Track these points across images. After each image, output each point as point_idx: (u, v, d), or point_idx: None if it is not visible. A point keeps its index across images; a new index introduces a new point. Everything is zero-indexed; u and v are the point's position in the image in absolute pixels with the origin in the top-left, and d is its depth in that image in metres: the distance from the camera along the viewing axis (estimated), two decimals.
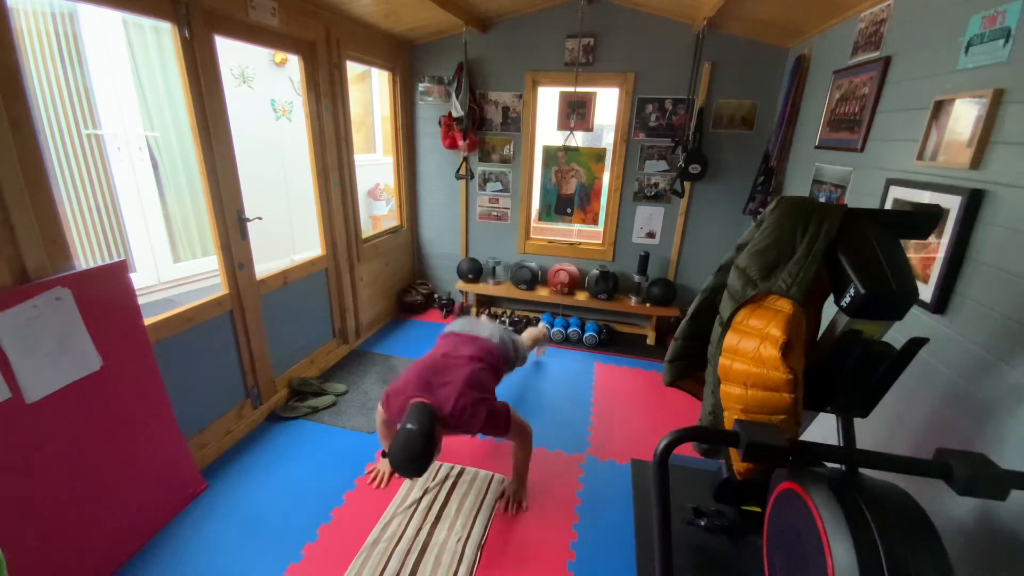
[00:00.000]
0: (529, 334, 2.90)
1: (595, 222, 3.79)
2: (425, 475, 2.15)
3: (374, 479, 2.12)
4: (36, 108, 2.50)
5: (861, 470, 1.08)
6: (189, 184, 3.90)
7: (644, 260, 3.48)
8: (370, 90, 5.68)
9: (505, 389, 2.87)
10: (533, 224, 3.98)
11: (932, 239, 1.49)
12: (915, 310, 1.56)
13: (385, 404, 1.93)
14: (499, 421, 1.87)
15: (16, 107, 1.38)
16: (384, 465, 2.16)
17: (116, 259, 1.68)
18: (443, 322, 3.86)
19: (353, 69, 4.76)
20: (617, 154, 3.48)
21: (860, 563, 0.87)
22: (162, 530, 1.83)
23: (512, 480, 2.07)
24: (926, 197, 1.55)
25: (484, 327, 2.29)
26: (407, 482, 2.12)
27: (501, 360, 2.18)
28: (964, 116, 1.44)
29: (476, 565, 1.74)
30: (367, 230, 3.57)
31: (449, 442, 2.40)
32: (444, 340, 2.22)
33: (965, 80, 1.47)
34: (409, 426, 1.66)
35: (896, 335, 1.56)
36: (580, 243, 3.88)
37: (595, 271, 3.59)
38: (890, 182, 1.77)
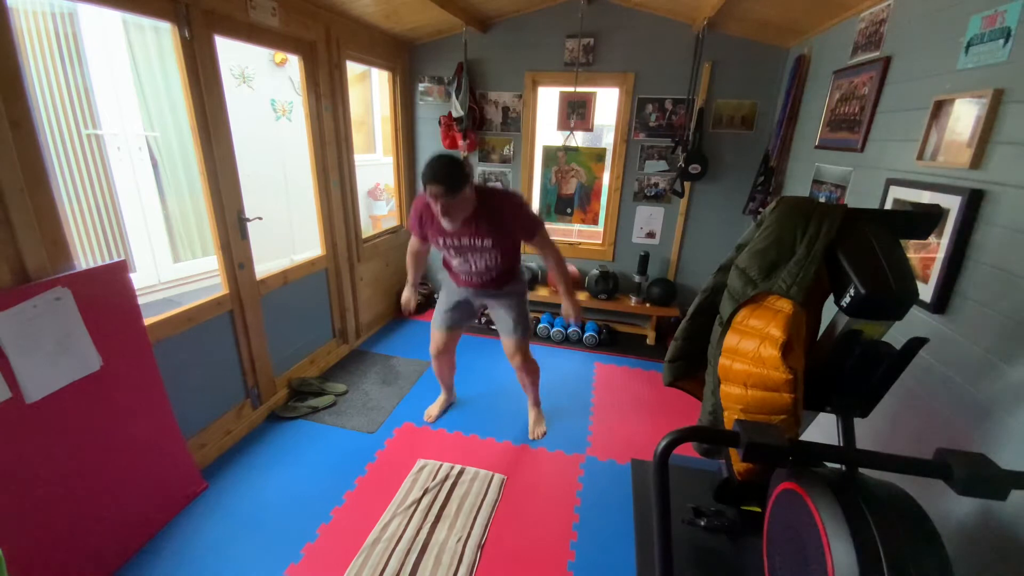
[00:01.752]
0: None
1: (595, 222, 3.79)
2: (425, 475, 2.15)
3: (405, 307, 2.36)
4: (36, 108, 2.50)
5: (861, 470, 1.08)
6: (189, 184, 3.90)
7: (644, 260, 3.48)
8: (370, 90, 5.68)
9: (505, 389, 2.87)
10: None
11: (932, 239, 1.49)
12: (915, 310, 1.56)
13: (411, 221, 2.08)
14: (527, 211, 1.97)
15: (16, 107, 1.38)
16: (406, 293, 2.36)
17: (116, 259, 1.68)
18: None
19: (353, 69, 4.76)
20: (617, 154, 3.48)
21: (860, 563, 0.87)
22: (162, 530, 1.83)
23: (564, 300, 2.20)
24: (926, 197, 1.55)
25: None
26: (407, 482, 2.12)
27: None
28: (964, 116, 1.44)
29: (476, 565, 1.74)
30: (367, 230, 3.57)
31: (449, 441, 2.41)
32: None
33: (965, 80, 1.47)
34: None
35: (896, 335, 1.56)
36: (580, 243, 3.88)
37: (595, 271, 3.59)
38: (890, 182, 1.77)
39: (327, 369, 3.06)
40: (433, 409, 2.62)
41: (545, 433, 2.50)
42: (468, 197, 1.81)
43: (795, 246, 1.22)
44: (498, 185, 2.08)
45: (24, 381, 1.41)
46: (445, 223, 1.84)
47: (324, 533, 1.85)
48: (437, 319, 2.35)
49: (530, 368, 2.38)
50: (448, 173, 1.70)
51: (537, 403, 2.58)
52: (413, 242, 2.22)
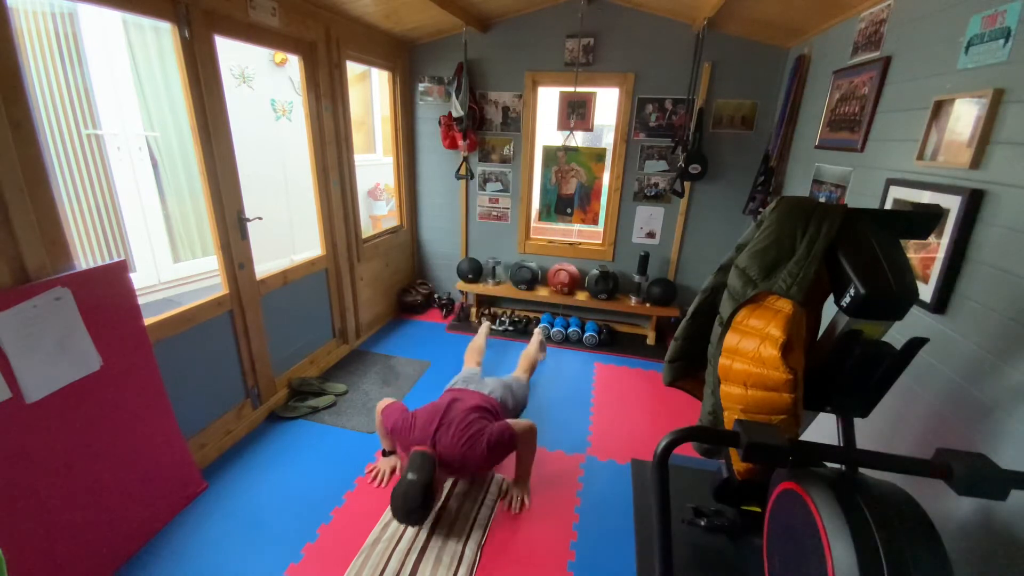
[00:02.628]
0: (526, 361, 2.73)
1: (595, 222, 3.79)
2: None
3: (375, 478, 2.13)
4: (36, 108, 2.50)
5: (861, 470, 1.08)
6: (189, 184, 3.91)
7: (644, 260, 3.48)
8: (370, 90, 5.68)
9: None
10: (533, 224, 3.98)
11: (932, 239, 1.49)
12: (915, 310, 1.56)
13: (387, 420, 2.02)
14: (504, 441, 1.91)
15: (16, 107, 1.38)
16: (384, 463, 2.16)
17: (116, 259, 1.68)
18: (443, 322, 3.86)
19: (353, 69, 4.77)
20: (617, 154, 3.48)
21: (860, 563, 0.87)
22: (162, 530, 1.83)
23: (516, 479, 2.07)
24: (926, 197, 1.55)
25: (485, 384, 2.30)
26: None
27: (501, 413, 2.17)
28: (964, 116, 1.44)
29: (476, 565, 1.74)
30: (367, 230, 3.57)
31: None
32: (447, 395, 2.21)
33: (965, 80, 1.47)
34: (410, 476, 1.73)
35: (896, 335, 1.56)
36: (580, 243, 3.88)
37: (595, 271, 3.59)
38: (890, 182, 1.77)
39: (327, 369, 3.06)
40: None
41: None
42: (439, 496, 1.84)
43: (795, 246, 1.22)
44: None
45: (24, 381, 1.41)
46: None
47: (324, 533, 1.85)
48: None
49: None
50: (415, 517, 1.72)
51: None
52: (381, 424, 2.08)
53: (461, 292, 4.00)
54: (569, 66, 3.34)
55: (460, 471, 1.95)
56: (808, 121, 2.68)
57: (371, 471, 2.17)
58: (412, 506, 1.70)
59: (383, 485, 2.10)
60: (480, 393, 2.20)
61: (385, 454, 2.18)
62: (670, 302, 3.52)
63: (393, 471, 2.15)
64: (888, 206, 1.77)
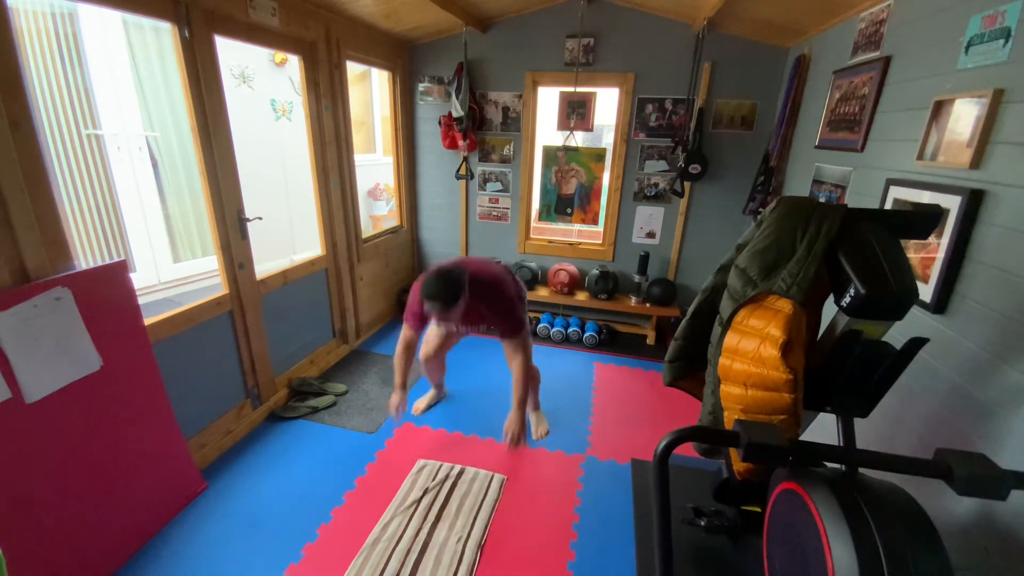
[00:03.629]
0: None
1: (595, 222, 3.79)
2: (425, 475, 2.15)
3: (394, 417, 2.24)
4: (36, 108, 2.50)
5: (861, 470, 1.08)
6: (189, 184, 3.91)
7: (644, 260, 3.48)
8: (370, 90, 5.68)
9: (506, 388, 2.87)
10: (533, 224, 3.98)
11: (932, 239, 1.49)
12: (915, 310, 1.56)
13: (411, 301, 2.10)
14: (513, 315, 2.04)
15: (16, 107, 1.38)
16: (393, 400, 2.23)
17: (116, 259, 1.68)
18: None
19: (353, 69, 4.76)
20: (617, 154, 3.48)
21: (860, 563, 0.87)
22: (162, 530, 1.83)
23: (512, 411, 2.12)
24: (926, 197, 1.55)
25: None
26: (407, 482, 2.12)
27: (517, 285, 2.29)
28: (964, 116, 1.44)
29: (476, 565, 1.74)
30: (367, 230, 3.57)
31: (449, 441, 2.41)
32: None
33: (965, 80, 1.47)
34: (441, 264, 1.89)
35: (896, 335, 1.56)
36: (580, 243, 3.88)
37: (595, 271, 3.59)
38: (890, 182, 1.77)
39: (327, 369, 3.06)
40: (421, 403, 2.65)
41: (548, 432, 2.49)
42: (463, 304, 1.89)
43: (795, 246, 1.22)
44: (495, 263, 2.07)
45: (24, 381, 1.41)
46: (442, 327, 2.16)
47: (324, 533, 1.85)
48: (432, 329, 2.37)
49: (526, 358, 2.31)
50: (445, 292, 1.81)
51: (537, 407, 2.59)
52: (407, 333, 2.19)
53: None
54: (569, 66, 3.33)
55: (478, 298, 1.97)
56: (808, 121, 2.68)
57: (392, 408, 2.23)
58: (445, 277, 1.79)
59: (398, 417, 2.22)
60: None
61: (397, 389, 2.24)
62: (670, 302, 3.52)
63: (404, 404, 2.26)
64: (888, 206, 1.77)
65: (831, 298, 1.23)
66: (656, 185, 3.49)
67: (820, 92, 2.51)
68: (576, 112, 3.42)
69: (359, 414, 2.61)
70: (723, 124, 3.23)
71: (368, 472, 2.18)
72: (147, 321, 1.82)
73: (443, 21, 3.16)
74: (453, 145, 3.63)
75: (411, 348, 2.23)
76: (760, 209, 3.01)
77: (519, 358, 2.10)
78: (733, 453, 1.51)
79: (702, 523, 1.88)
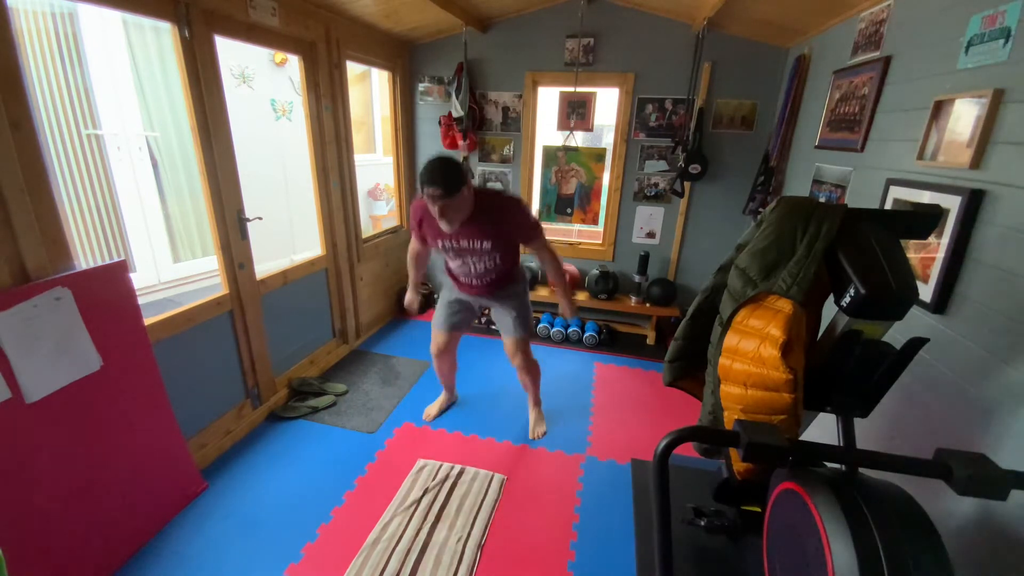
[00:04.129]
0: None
1: (595, 222, 3.79)
2: (425, 475, 2.15)
3: (409, 308, 2.41)
4: (36, 108, 2.50)
5: (861, 470, 1.08)
6: (189, 184, 3.91)
7: (644, 260, 3.48)
8: (370, 90, 5.68)
9: (506, 389, 2.87)
10: None
11: (932, 239, 1.49)
12: (915, 310, 1.56)
13: (412, 209, 2.06)
14: (529, 218, 2.00)
15: (16, 107, 1.38)
16: (408, 296, 2.40)
17: (116, 259, 1.68)
18: None
19: (353, 69, 4.76)
20: (617, 154, 3.48)
21: (860, 563, 0.87)
22: (162, 530, 1.83)
23: (560, 300, 2.26)
24: (926, 197, 1.55)
25: None
26: (407, 482, 2.12)
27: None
28: (964, 116, 1.44)
29: (476, 565, 1.74)
30: (367, 230, 3.58)
31: (449, 441, 2.41)
32: None
33: (965, 80, 1.47)
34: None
35: (896, 335, 1.56)
36: (580, 243, 3.88)
37: (595, 271, 3.59)
38: (890, 182, 1.77)
39: (327, 369, 3.06)
40: (432, 408, 2.63)
41: (545, 433, 2.50)
42: (466, 198, 1.80)
43: (795, 246, 1.22)
44: (498, 186, 2.12)
45: (24, 381, 1.41)
46: (443, 225, 1.84)
47: (324, 533, 1.85)
48: (438, 319, 2.35)
49: (531, 368, 2.38)
50: (445, 175, 1.69)
51: (538, 403, 2.58)
52: (413, 244, 2.22)
53: None
54: (569, 66, 3.33)
55: (487, 202, 1.91)
56: (808, 121, 2.68)
57: (407, 305, 2.43)
58: (445, 162, 1.71)
59: (415, 313, 2.44)
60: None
61: (410, 288, 2.39)
62: (670, 302, 3.52)
63: (418, 299, 2.42)
64: (888, 206, 1.77)
65: (831, 298, 1.23)
66: (656, 185, 3.49)
67: (820, 92, 2.51)
68: (576, 112, 3.42)
69: (359, 414, 2.61)
70: (723, 124, 3.23)
71: (368, 472, 2.18)
72: (147, 321, 1.82)
73: (443, 21, 3.16)
74: (453, 145, 3.63)
75: (420, 257, 2.27)
76: (760, 209, 3.01)
77: (548, 254, 2.10)
78: (733, 453, 1.51)
79: (702, 523, 1.88)
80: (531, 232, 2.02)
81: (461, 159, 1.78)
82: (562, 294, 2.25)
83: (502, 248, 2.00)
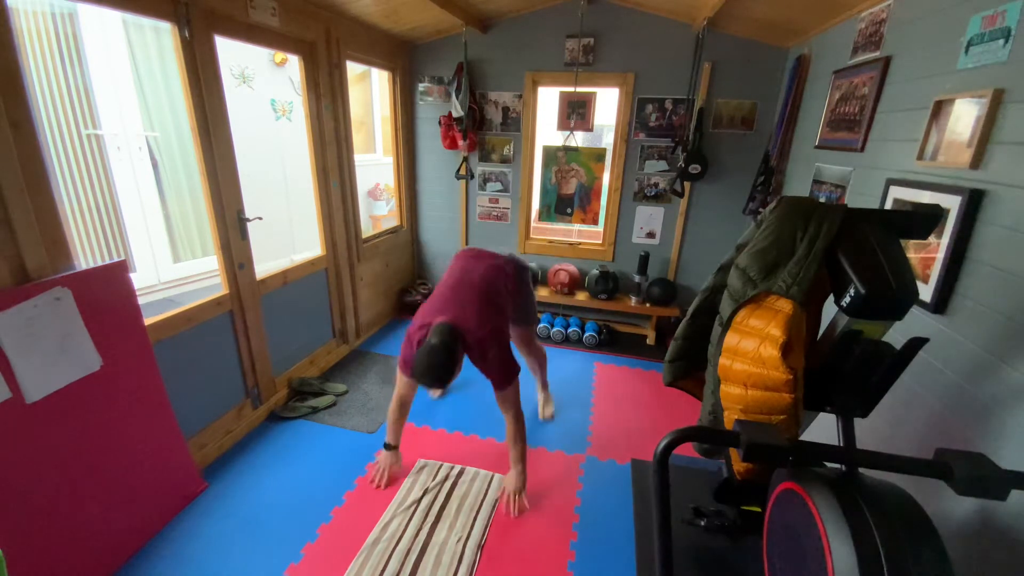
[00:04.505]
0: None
1: (595, 222, 3.79)
2: (425, 475, 2.15)
3: (375, 478, 2.10)
4: (36, 108, 2.50)
5: (861, 470, 1.08)
6: (189, 184, 3.90)
7: (644, 260, 3.48)
8: (370, 90, 5.68)
9: None
10: (533, 224, 3.98)
11: (932, 239, 1.49)
12: (915, 310, 1.56)
13: (406, 348, 1.93)
14: (506, 369, 1.90)
15: (16, 107, 1.38)
16: (384, 460, 2.11)
17: (116, 259, 1.68)
18: None
19: (353, 69, 4.76)
20: (617, 154, 3.48)
21: (860, 563, 0.87)
22: (162, 530, 1.83)
23: (510, 472, 2.02)
24: (926, 197, 1.55)
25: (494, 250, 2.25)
26: (407, 482, 2.12)
27: (513, 271, 2.15)
28: (964, 116, 1.44)
29: (476, 565, 1.74)
30: (367, 230, 3.57)
31: (449, 441, 2.41)
32: (455, 264, 2.15)
33: (965, 80, 1.47)
34: (433, 341, 1.71)
35: (896, 335, 1.56)
36: (580, 243, 3.88)
37: (595, 271, 3.59)
38: (890, 182, 1.77)
39: (327, 369, 3.06)
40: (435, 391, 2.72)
41: (554, 415, 2.55)
42: (456, 374, 1.79)
43: (795, 246, 1.22)
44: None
45: (24, 381, 1.41)
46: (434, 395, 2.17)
47: (324, 533, 1.85)
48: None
49: (537, 353, 2.42)
50: (439, 373, 1.69)
51: (545, 386, 2.65)
52: (402, 389, 2.04)
53: None
54: (569, 66, 3.33)
55: (469, 353, 1.88)
56: (808, 121, 2.68)
57: (372, 470, 2.14)
58: (435, 362, 1.66)
59: (382, 486, 2.07)
60: (485, 256, 2.14)
61: (387, 448, 2.11)
62: (670, 302, 3.52)
63: (389, 471, 2.11)
64: (888, 206, 1.77)
65: (831, 298, 1.23)
66: (656, 185, 3.49)
67: (820, 92, 2.51)
68: (576, 112, 3.42)
69: (359, 414, 2.61)
70: (723, 124, 3.23)
71: (368, 472, 2.18)
72: (147, 321, 1.82)
73: (443, 21, 3.16)
74: (453, 145, 3.63)
75: (406, 405, 2.09)
76: (760, 209, 3.01)
77: (511, 413, 1.94)
78: (733, 453, 1.51)
79: (702, 523, 1.88)
80: (504, 381, 1.90)
81: (453, 346, 1.74)
82: (513, 459, 1.98)
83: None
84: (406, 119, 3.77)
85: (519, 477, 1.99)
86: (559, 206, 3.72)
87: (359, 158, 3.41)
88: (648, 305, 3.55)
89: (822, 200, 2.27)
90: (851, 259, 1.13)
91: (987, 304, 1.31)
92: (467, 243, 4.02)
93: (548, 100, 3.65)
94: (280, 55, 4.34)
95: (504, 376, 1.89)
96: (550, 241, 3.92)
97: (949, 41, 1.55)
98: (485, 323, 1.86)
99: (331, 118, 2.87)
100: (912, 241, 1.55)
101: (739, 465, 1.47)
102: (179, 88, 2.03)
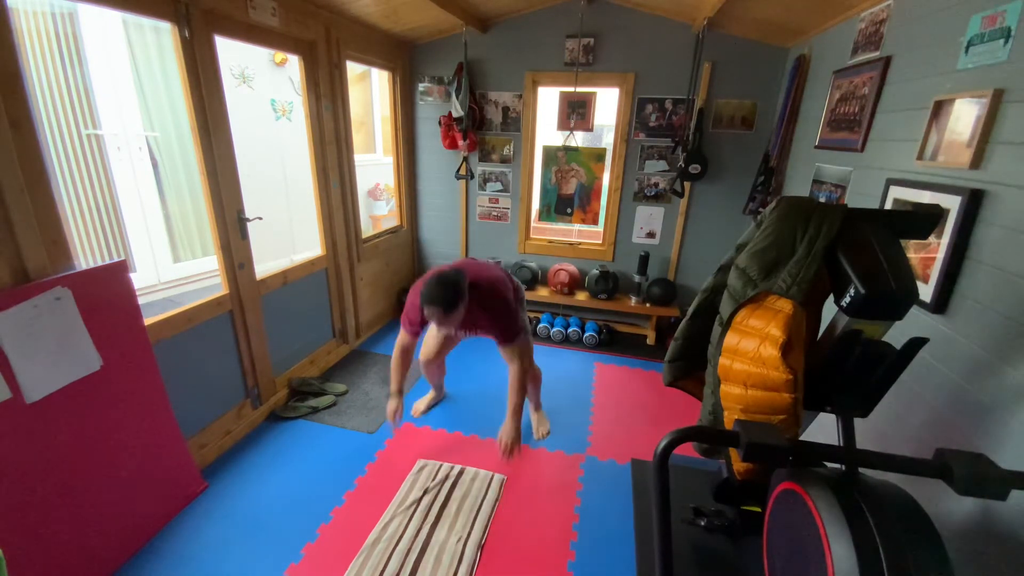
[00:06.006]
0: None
1: (595, 222, 3.79)
2: (425, 475, 2.15)
3: (394, 422, 2.19)
4: (36, 108, 2.50)
5: (861, 470, 1.08)
6: (189, 184, 3.90)
7: (644, 260, 3.48)
8: (370, 90, 5.68)
9: (506, 388, 2.86)
10: (533, 224, 3.98)
11: (932, 239, 1.49)
12: (915, 310, 1.56)
13: (408, 306, 2.05)
14: (512, 320, 2.00)
15: (16, 107, 1.38)
16: (392, 406, 2.19)
17: (116, 259, 1.68)
18: None
19: (353, 69, 4.76)
20: (617, 154, 3.48)
21: (860, 563, 0.87)
22: (162, 530, 1.83)
23: (507, 420, 2.09)
24: (926, 197, 1.55)
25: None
26: (407, 482, 2.12)
27: (513, 285, 2.23)
28: (964, 116, 1.44)
29: (476, 565, 1.74)
30: (367, 230, 3.57)
31: (449, 441, 2.41)
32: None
33: (965, 80, 1.47)
34: (442, 270, 1.84)
35: (896, 335, 1.56)
36: (580, 243, 3.88)
37: (595, 271, 3.59)
38: (890, 182, 1.77)
39: (327, 369, 3.06)
40: (420, 404, 2.65)
41: (549, 432, 2.50)
42: (462, 311, 1.86)
43: (795, 246, 1.22)
44: (495, 266, 2.02)
45: (24, 381, 1.41)
46: (440, 330, 2.13)
47: (324, 533, 1.85)
48: (431, 333, 2.35)
49: (531, 374, 2.34)
50: (444, 296, 1.77)
51: (538, 407, 2.59)
52: (404, 338, 2.14)
53: None
54: (569, 66, 3.33)
55: (477, 302, 1.94)
56: (808, 121, 2.68)
57: (390, 418, 2.19)
58: (445, 281, 1.76)
59: (400, 426, 2.28)
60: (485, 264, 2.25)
61: (395, 395, 2.19)
62: (670, 302, 3.52)
63: (398, 410, 2.20)
64: (888, 206, 1.77)
65: (831, 298, 1.23)
66: (656, 185, 3.49)
67: (820, 92, 2.51)
68: (576, 112, 3.42)
69: (359, 414, 2.61)
70: (723, 124, 3.23)
71: (368, 472, 2.18)
72: (147, 321, 1.82)
73: (443, 21, 3.16)
74: (453, 145, 3.63)
75: (408, 353, 2.19)
76: (760, 209, 3.01)
77: (516, 364, 2.05)
78: (733, 453, 1.51)
79: (702, 523, 1.88)
80: (511, 336, 2.02)
81: (458, 275, 1.84)
82: (511, 411, 2.07)
83: (490, 334, 2.08)
84: (406, 119, 3.77)
85: (512, 429, 2.07)
86: (559, 206, 3.72)
87: (359, 158, 3.41)
88: (648, 305, 3.55)
89: (822, 200, 2.27)
90: (851, 259, 1.13)
91: (987, 304, 1.31)
92: (467, 243, 4.02)
93: (548, 100, 3.65)
94: (280, 55, 4.34)
95: (511, 328, 1.99)
96: (550, 241, 3.92)
97: (949, 41, 1.55)
98: (489, 272, 2.04)
99: (331, 118, 2.87)
100: (912, 241, 1.55)
101: (739, 465, 1.47)
102: (179, 88, 2.03)
